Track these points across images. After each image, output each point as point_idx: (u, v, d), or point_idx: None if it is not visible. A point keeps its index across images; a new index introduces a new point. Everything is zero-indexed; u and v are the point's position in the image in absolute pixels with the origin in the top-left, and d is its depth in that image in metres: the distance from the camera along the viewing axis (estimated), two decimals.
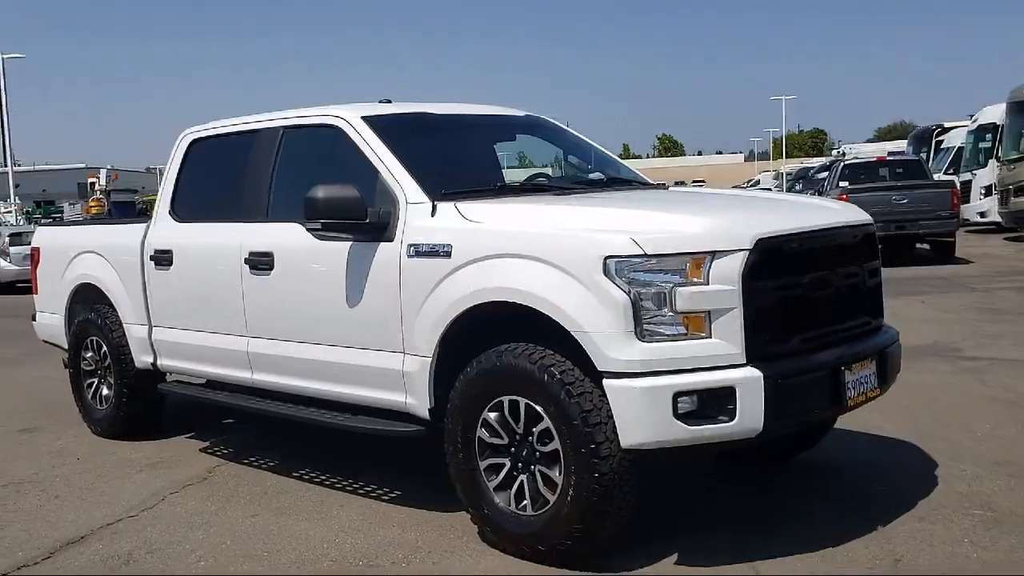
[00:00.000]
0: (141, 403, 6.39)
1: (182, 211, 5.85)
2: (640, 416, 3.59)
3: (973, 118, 27.24)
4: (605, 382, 3.64)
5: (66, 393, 7.74)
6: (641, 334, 3.60)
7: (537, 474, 3.92)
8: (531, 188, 4.95)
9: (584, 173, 5.59)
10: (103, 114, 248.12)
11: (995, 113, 24.51)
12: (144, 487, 5.40)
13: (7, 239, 22.48)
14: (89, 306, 6.62)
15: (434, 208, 4.32)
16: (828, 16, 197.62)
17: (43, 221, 33.46)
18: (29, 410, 7.67)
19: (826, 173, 30.86)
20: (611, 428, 3.66)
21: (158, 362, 6.03)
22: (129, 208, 27.01)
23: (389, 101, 5.35)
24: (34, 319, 7.34)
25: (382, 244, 4.45)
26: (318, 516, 4.76)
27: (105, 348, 6.43)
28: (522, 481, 3.98)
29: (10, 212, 34.54)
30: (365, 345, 4.59)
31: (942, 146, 31.09)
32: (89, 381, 6.70)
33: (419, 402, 4.36)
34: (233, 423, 6.79)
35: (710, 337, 3.63)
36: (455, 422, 4.16)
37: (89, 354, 6.65)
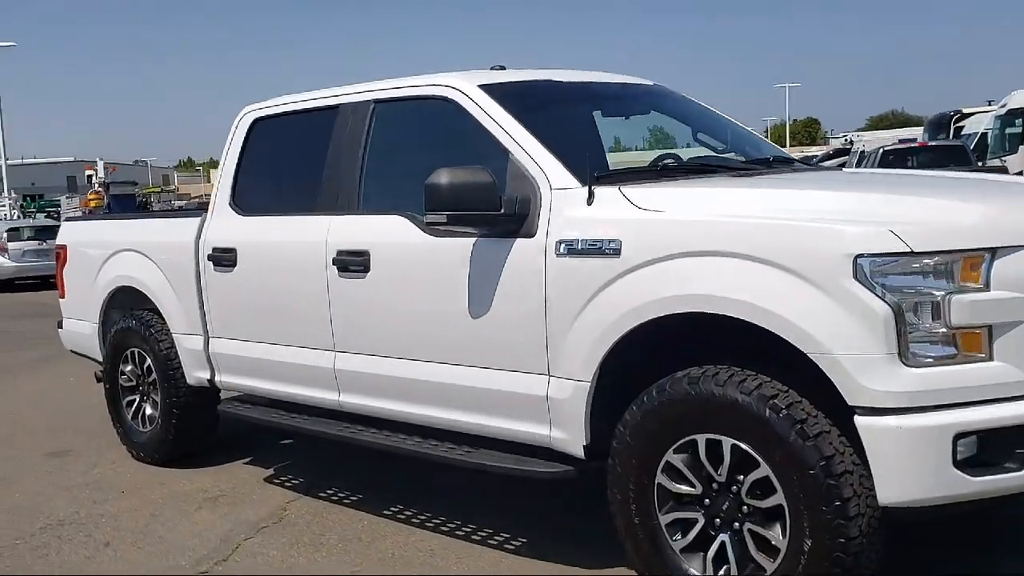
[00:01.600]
0: (193, 425, 5.53)
1: (246, 202, 4.98)
2: (909, 465, 2.75)
3: (1001, 103, 26.48)
4: (859, 420, 2.80)
5: (95, 408, 6.92)
6: (906, 357, 2.76)
7: (747, 534, 3.09)
8: (698, 168, 4.08)
9: (720, 154, 4.72)
10: (91, 107, 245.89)
11: None
12: (211, 530, 4.55)
13: (5, 234, 21.55)
14: (129, 313, 5.76)
15: (591, 195, 3.47)
16: (817, 5, 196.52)
17: (37, 215, 32.45)
18: (54, 428, 6.80)
19: (832, 161, 30.19)
20: (863, 480, 2.83)
21: (216, 378, 5.18)
22: (129, 201, 26.14)
23: (503, 67, 4.49)
24: (60, 326, 6.46)
25: (519, 241, 3.61)
26: (432, 571, 3.92)
27: (149, 361, 5.57)
28: (723, 542, 3.15)
29: (4, 206, 33.39)
30: (494, 364, 3.75)
31: (962, 132, 30.35)
32: (129, 398, 5.84)
33: (570, 436, 3.52)
34: (292, 444, 5.93)
35: (991, 359, 2.80)
36: (625, 464, 3.32)
37: (129, 368, 5.79)
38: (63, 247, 6.28)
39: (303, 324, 4.53)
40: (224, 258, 4.91)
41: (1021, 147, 23.97)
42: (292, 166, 4.90)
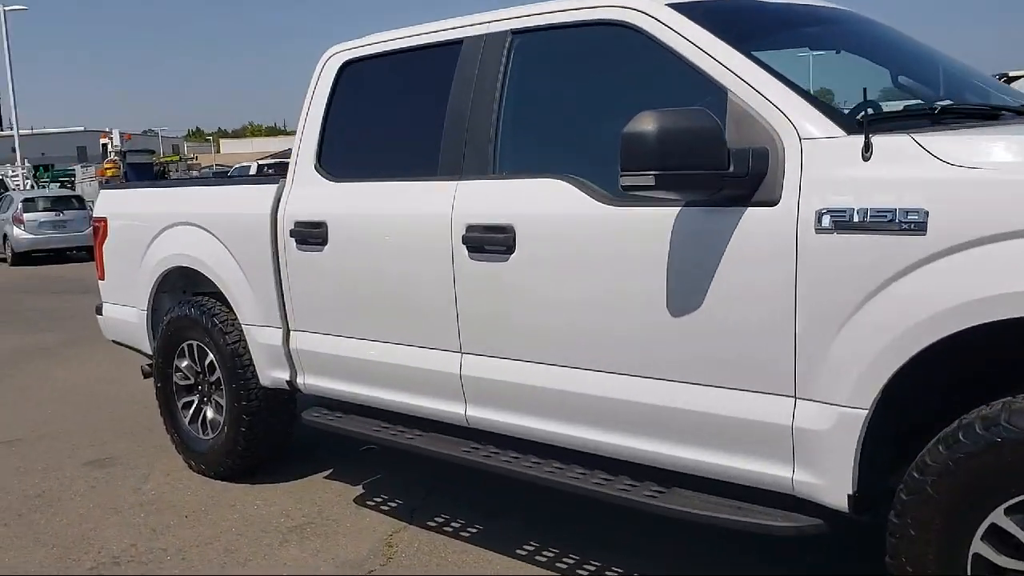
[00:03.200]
0: (267, 433, 4.62)
1: (337, 166, 4.02)
2: None
3: None
4: None
5: (138, 405, 6.06)
6: None
7: None
8: (983, 113, 3.08)
9: (932, 99, 3.69)
10: (99, 78, 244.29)
11: None
12: (307, 573, 3.64)
13: (20, 205, 20.67)
14: (186, 299, 4.83)
15: (867, 146, 2.49)
16: None
17: (50, 186, 31.56)
18: (92, 429, 5.89)
19: None
20: None
21: (298, 380, 4.24)
22: (146, 170, 25.22)
23: None
24: (99, 312, 5.53)
25: (751, 211, 2.65)
26: None
27: (212, 357, 4.64)
28: None
29: (17, 176, 32.40)
30: (705, 379, 2.81)
31: None
32: (186, 399, 4.92)
33: (825, 481, 2.58)
34: (375, 453, 5.00)
35: None
36: (923, 524, 2.38)
37: (185, 363, 4.86)
38: (102, 220, 5.33)
39: (417, 319, 3.59)
40: (311, 235, 3.96)
41: None
42: (398, 119, 3.93)
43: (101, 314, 5.51)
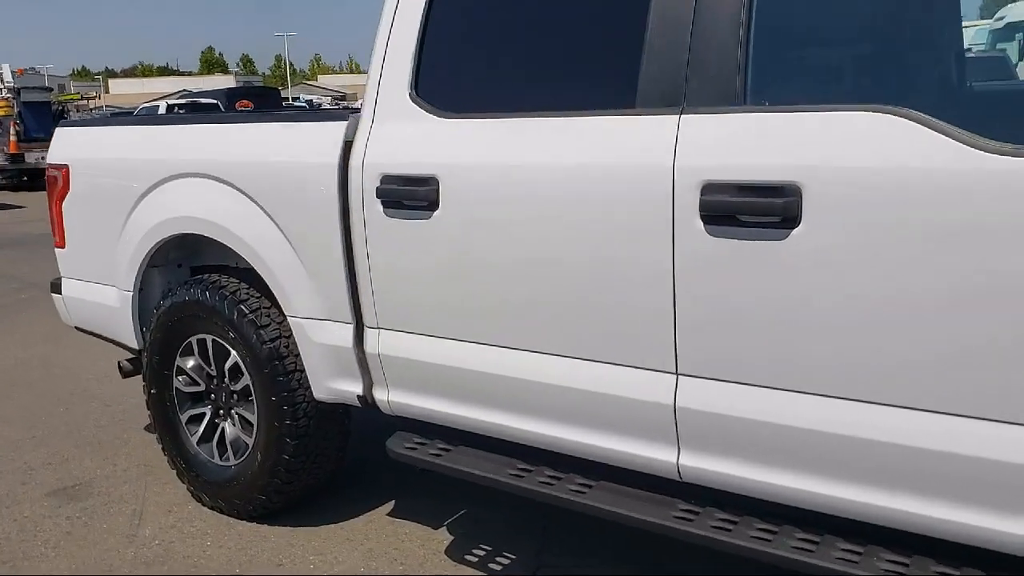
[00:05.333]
0: (319, 460, 3.42)
1: (449, 93, 2.81)
2: None
3: (997, 16, 25.13)
4: None
5: (98, 401, 4.77)
6: None
7: None
8: None
9: None
10: None
11: None
12: None
13: None
14: (197, 279, 3.55)
15: None
16: None
17: None
18: (43, 439, 4.56)
19: None
20: None
21: (379, 396, 3.06)
22: (44, 110, 22.81)
23: None
24: (56, 290, 4.17)
25: None
26: None
27: (236, 358, 3.40)
28: None
29: None
30: None
31: None
32: (193, 411, 3.67)
33: None
34: (439, 477, 3.85)
35: None
36: None
37: (192, 363, 3.61)
38: (61, 168, 3.96)
39: (598, 322, 2.45)
40: (410, 195, 2.75)
41: (1022, 63, 22.72)
42: (556, 19, 2.71)
43: (60, 292, 4.15)
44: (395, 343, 2.93)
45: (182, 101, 25.86)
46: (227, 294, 3.37)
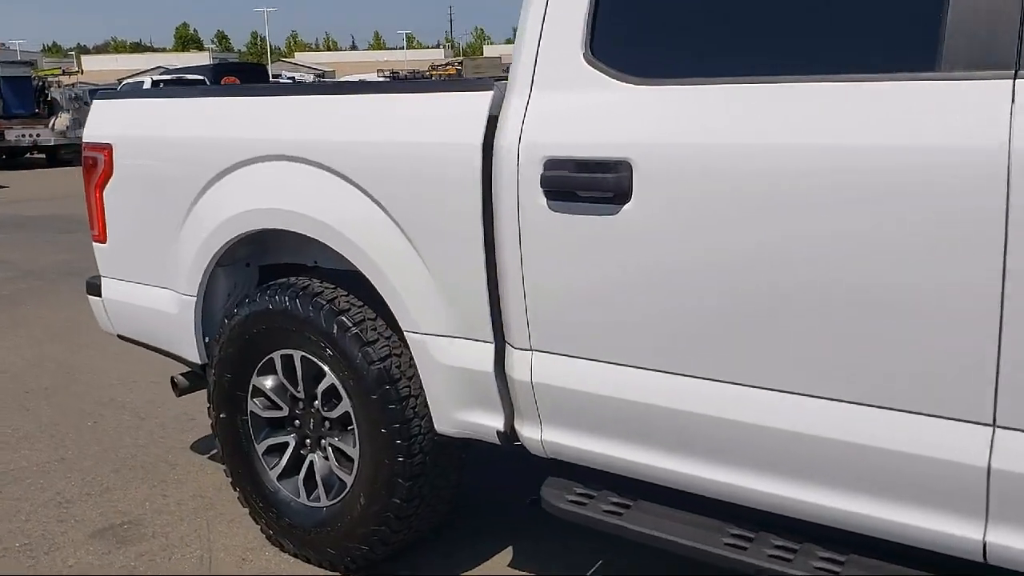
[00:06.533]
0: (434, 502, 2.85)
1: (641, 53, 2.22)
2: None
3: None
4: None
5: (131, 413, 4.14)
6: None
7: None
8: None
9: None
10: None
11: None
12: None
13: None
14: (283, 284, 2.94)
15: None
16: None
17: None
18: (76, 460, 3.95)
19: None
20: None
21: (528, 433, 2.48)
22: (25, 86, 21.91)
23: None
24: (94, 292, 3.56)
25: None
26: None
27: (333, 380, 2.80)
28: None
29: None
30: None
31: None
32: (272, 440, 3.08)
33: None
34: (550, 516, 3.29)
35: None
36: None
37: (271, 383, 3.01)
38: (103, 148, 3.34)
39: (877, 355, 1.88)
40: (589, 183, 2.17)
41: None
42: None
43: (99, 294, 3.53)
44: (556, 369, 2.35)
45: (167, 77, 25.05)
46: (323, 303, 2.77)
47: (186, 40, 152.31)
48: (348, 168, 2.61)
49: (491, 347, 2.47)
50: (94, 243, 3.48)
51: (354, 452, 2.82)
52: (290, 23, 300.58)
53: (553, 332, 2.33)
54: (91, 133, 3.39)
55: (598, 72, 2.21)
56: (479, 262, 2.41)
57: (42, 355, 5.55)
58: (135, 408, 4.54)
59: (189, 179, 3.03)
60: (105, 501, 3.55)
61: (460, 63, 61.67)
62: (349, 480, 2.86)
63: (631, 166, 2.11)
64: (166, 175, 3.13)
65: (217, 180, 2.96)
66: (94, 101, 3.48)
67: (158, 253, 3.21)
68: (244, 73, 28.25)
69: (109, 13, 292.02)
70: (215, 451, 3.86)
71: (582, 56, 2.24)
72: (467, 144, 2.37)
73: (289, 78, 52.95)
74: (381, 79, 26.50)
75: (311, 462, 2.99)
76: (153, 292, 3.29)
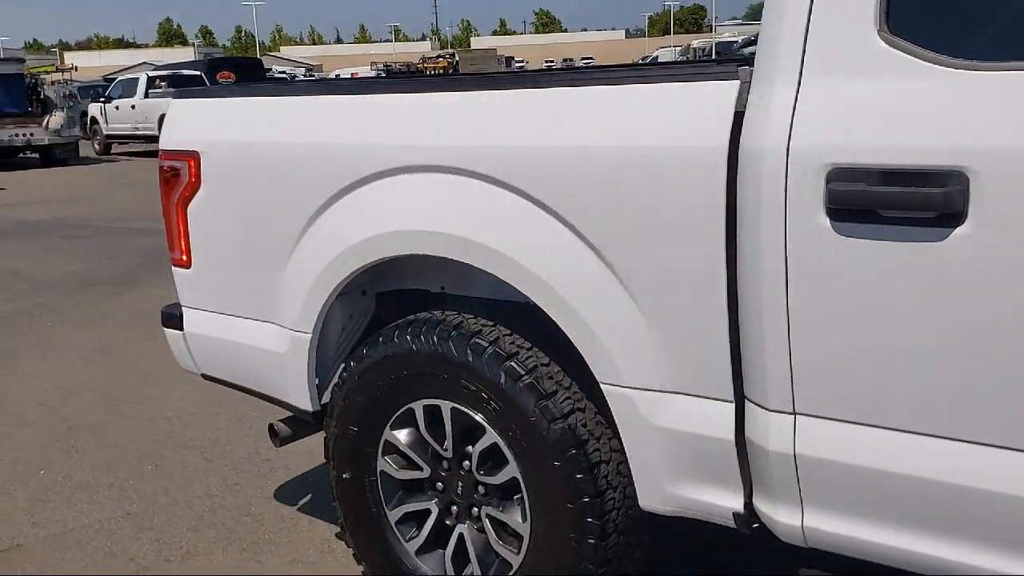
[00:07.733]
0: None
1: (967, 29, 1.69)
2: None
3: None
4: None
5: (197, 451, 3.61)
6: None
7: None
8: None
9: None
10: None
11: None
12: None
13: None
14: (427, 320, 2.40)
15: None
16: None
17: None
18: (150, 516, 3.43)
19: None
20: None
21: (783, 518, 1.95)
22: (18, 83, 21.20)
23: None
24: (173, 325, 3.01)
25: None
26: None
27: (496, 439, 2.28)
28: None
29: None
30: None
31: None
32: (406, 507, 2.55)
33: None
34: None
35: None
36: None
37: (407, 437, 2.48)
38: (188, 157, 2.79)
39: None
40: (899, 200, 1.65)
41: None
42: None
43: (180, 328, 2.99)
44: (831, 439, 1.83)
45: (162, 73, 24.36)
46: (484, 344, 2.24)
47: (170, 35, 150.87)
48: (526, 182, 2.09)
49: (730, 407, 1.95)
50: (174, 267, 2.95)
51: (523, 528, 2.30)
52: (274, 17, 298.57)
53: (829, 392, 1.81)
54: (171, 139, 2.85)
55: (903, 53, 1.69)
56: (718, 298, 1.89)
57: (78, 382, 5.00)
58: (199, 447, 4.01)
59: (304, 194, 2.50)
60: (190, 570, 3.02)
61: (451, 55, 61.06)
62: (515, 560, 2.33)
63: (967, 178, 1.59)
64: (271, 189, 2.60)
65: (342, 196, 2.43)
66: (173, 100, 2.93)
67: (260, 281, 2.68)
68: (240, 68, 27.69)
69: (91, 9, 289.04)
70: (305, 501, 3.35)
71: (876, 34, 1.71)
72: (703, 148, 1.86)
73: (280, 72, 52.20)
74: (375, 73, 25.75)
75: (459, 535, 2.47)
76: (253, 327, 2.75)
